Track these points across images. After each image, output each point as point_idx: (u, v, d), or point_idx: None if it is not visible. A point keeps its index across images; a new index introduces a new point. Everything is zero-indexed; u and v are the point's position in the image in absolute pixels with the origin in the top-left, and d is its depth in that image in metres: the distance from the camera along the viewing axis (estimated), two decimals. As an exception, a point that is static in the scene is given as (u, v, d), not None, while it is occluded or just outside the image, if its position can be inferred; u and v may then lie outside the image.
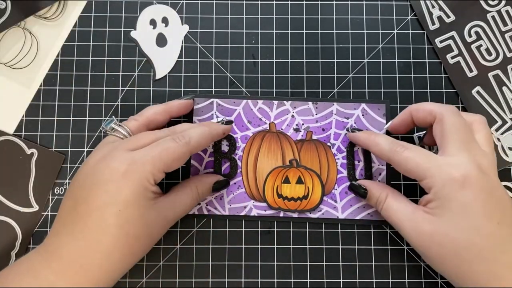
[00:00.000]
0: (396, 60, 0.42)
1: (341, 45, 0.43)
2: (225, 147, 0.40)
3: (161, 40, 0.42)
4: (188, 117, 0.41)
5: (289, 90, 0.42)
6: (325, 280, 0.39)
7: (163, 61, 0.42)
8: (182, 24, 0.42)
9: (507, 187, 0.40)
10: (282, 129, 0.41)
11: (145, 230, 0.32)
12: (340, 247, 0.40)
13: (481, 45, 0.42)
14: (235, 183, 0.40)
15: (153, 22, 0.43)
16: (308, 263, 0.39)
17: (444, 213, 0.31)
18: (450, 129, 0.33)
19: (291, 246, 0.40)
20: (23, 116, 0.41)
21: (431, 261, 0.33)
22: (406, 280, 0.39)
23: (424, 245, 0.32)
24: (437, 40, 0.42)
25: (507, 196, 0.32)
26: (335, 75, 0.42)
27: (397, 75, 0.42)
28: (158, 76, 0.42)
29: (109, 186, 0.30)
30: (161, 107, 0.37)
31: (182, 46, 0.42)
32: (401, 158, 0.33)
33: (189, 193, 0.36)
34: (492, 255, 0.30)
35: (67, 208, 0.32)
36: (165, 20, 0.42)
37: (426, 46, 0.42)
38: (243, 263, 0.39)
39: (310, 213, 0.40)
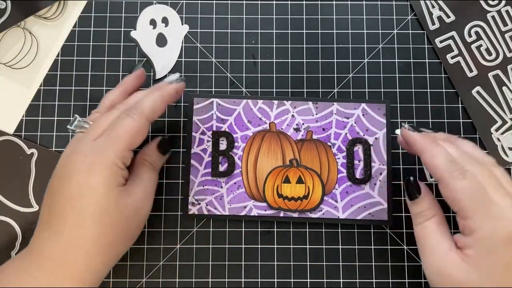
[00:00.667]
0: (396, 60, 0.42)
1: (341, 45, 0.43)
2: (223, 146, 0.40)
3: (161, 40, 0.42)
4: (188, 116, 0.41)
5: (289, 90, 0.42)
6: (325, 280, 0.39)
7: (163, 61, 0.42)
8: (182, 24, 0.42)
9: None
10: (282, 129, 0.41)
11: (120, 217, 0.31)
12: (340, 247, 0.40)
13: (481, 45, 0.42)
14: (235, 183, 0.40)
15: (153, 22, 0.43)
16: (308, 263, 0.39)
17: (482, 266, 0.29)
18: (462, 197, 0.30)
19: (291, 246, 0.40)
20: (23, 116, 0.41)
21: None
22: (406, 280, 0.39)
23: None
24: (437, 40, 0.42)
25: None
26: (335, 75, 0.42)
27: (397, 75, 0.42)
28: (158, 76, 0.42)
29: (78, 179, 0.30)
30: (117, 90, 0.37)
31: (182, 46, 0.42)
32: (456, 186, 0.30)
33: (143, 168, 0.35)
34: None
35: (45, 206, 0.32)
36: (165, 20, 0.42)
37: (426, 46, 0.43)
38: (243, 263, 0.39)
39: (311, 213, 0.39)
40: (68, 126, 0.34)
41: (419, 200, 0.33)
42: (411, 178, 0.34)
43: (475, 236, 0.29)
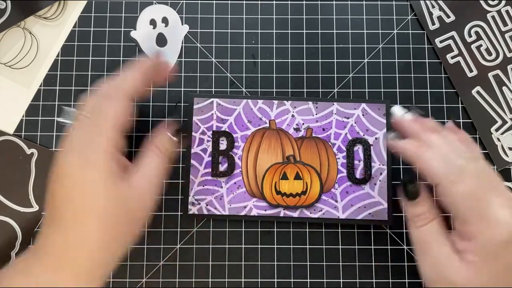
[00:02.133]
0: (396, 60, 0.42)
1: (341, 45, 0.43)
2: (223, 146, 0.40)
3: (161, 40, 0.42)
4: (188, 116, 0.41)
5: (289, 90, 0.42)
6: (325, 280, 0.39)
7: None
8: (182, 24, 0.42)
9: (507, 187, 0.40)
10: (282, 128, 0.41)
11: (121, 209, 0.30)
12: (340, 247, 0.40)
13: (481, 45, 0.42)
14: (235, 183, 0.40)
15: (153, 22, 0.42)
16: (308, 263, 0.39)
17: (481, 270, 0.29)
18: (461, 201, 0.30)
19: (291, 246, 0.40)
20: (23, 116, 0.41)
21: None
22: (406, 280, 0.39)
23: None
24: (437, 40, 0.42)
25: None
26: (335, 75, 0.42)
27: (397, 75, 0.42)
28: None
29: (73, 173, 0.29)
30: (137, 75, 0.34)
31: (182, 46, 0.42)
32: (454, 191, 0.30)
33: (149, 154, 0.33)
34: None
35: (47, 206, 0.31)
36: (165, 20, 0.42)
37: (426, 46, 0.43)
38: (243, 263, 0.39)
39: (311, 213, 0.39)
40: (59, 119, 0.33)
41: (419, 201, 0.33)
42: (411, 178, 0.34)
43: (477, 242, 0.29)
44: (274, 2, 0.43)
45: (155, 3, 0.43)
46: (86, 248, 0.29)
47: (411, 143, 0.33)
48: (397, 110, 0.35)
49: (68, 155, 0.30)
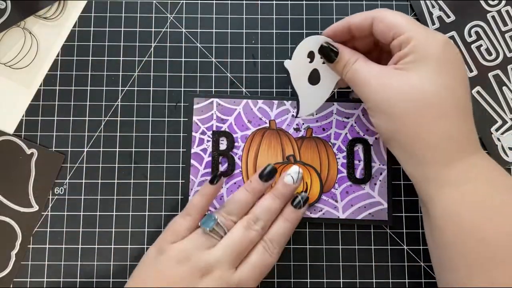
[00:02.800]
0: (396, 60, 0.42)
1: (341, 45, 0.42)
2: (223, 146, 0.40)
3: (315, 77, 0.38)
4: (188, 117, 0.41)
5: (289, 90, 0.42)
6: (325, 280, 0.39)
7: (311, 99, 0.38)
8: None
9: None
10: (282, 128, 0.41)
11: None
12: (340, 247, 0.40)
13: (481, 45, 0.42)
14: (235, 183, 0.40)
15: (311, 55, 0.37)
16: (308, 263, 0.39)
17: (419, 67, 0.30)
18: (399, 20, 0.32)
19: (291, 246, 0.40)
20: (23, 116, 0.41)
21: (392, 121, 0.31)
22: (406, 280, 0.39)
23: (390, 98, 0.30)
24: (437, 40, 0.42)
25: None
26: (335, 75, 0.42)
27: (397, 75, 0.42)
28: (300, 115, 0.39)
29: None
30: (203, 199, 0.36)
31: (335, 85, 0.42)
32: (381, 13, 0.32)
33: (261, 249, 0.34)
34: (456, 115, 0.30)
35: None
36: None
37: (426, 46, 0.42)
38: (243, 263, 0.39)
39: (311, 213, 0.39)
40: (203, 225, 0.34)
41: (339, 55, 0.34)
42: (322, 44, 0.35)
43: (414, 43, 0.30)
44: (274, 2, 0.43)
45: (308, 37, 0.37)
46: None
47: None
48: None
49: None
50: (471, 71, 0.42)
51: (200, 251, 0.32)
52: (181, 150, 0.41)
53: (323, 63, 0.37)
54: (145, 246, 0.39)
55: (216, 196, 0.37)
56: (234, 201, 0.35)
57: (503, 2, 0.43)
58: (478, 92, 0.42)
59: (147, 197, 0.40)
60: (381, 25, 0.32)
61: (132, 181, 0.41)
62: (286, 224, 0.35)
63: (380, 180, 0.40)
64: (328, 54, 0.35)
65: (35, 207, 0.40)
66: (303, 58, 0.37)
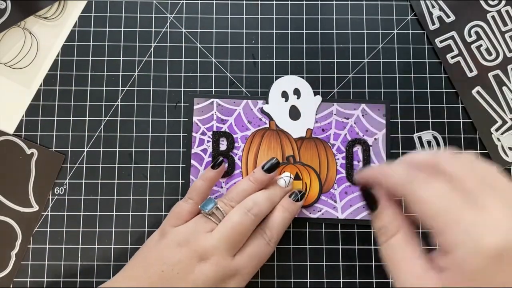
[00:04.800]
0: (396, 60, 0.42)
1: (341, 45, 0.43)
2: (223, 146, 0.40)
3: (295, 113, 0.41)
4: (188, 117, 0.41)
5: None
6: (325, 280, 0.39)
7: (297, 132, 0.41)
8: (314, 96, 0.41)
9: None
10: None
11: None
12: (340, 247, 0.40)
13: (481, 45, 0.42)
14: (235, 183, 0.40)
15: (285, 95, 0.41)
16: (308, 263, 0.39)
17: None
18: (429, 207, 0.24)
19: (291, 246, 0.40)
20: (23, 116, 0.41)
21: None
22: (406, 280, 0.39)
23: None
24: (437, 40, 0.42)
25: None
26: (335, 75, 0.42)
27: (397, 75, 0.42)
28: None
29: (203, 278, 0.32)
30: (204, 183, 0.37)
31: (314, 115, 0.42)
32: (416, 195, 0.25)
33: (259, 238, 0.35)
34: None
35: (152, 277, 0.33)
36: (297, 92, 0.41)
37: (426, 46, 0.42)
38: (243, 263, 0.39)
39: (310, 213, 0.40)
40: (202, 208, 0.35)
41: (378, 213, 0.28)
42: (368, 189, 0.30)
43: (451, 257, 0.23)
44: (274, 2, 0.43)
45: (286, 76, 0.42)
46: None
47: (372, 168, 0.31)
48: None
49: (211, 268, 0.33)
50: (471, 71, 0.42)
51: (199, 235, 0.33)
52: (181, 150, 0.41)
53: (298, 98, 0.41)
54: (145, 246, 0.39)
55: (217, 181, 0.39)
56: (237, 189, 0.37)
57: (503, 2, 0.42)
58: (478, 92, 0.42)
59: (147, 197, 0.40)
60: (412, 208, 0.25)
61: (132, 181, 0.41)
62: (285, 214, 0.36)
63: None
64: (369, 201, 0.29)
65: (35, 207, 0.40)
66: (278, 99, 0.41)
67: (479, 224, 0.22)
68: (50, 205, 0.40)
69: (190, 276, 0.32)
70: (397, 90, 0.42)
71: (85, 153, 0.41)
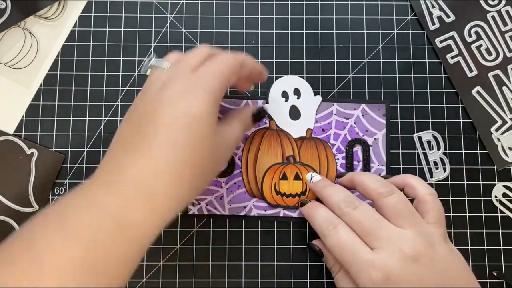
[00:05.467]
0: (396, 60, 0.42)
1: (341, 45, 0.43)
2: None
3: (295, 113, 0.41)
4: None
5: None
6: (325, 280, 0.39)
7: (297, 133, 0.41)
8: (315, 95, 0.41)
9: (507, 187, 0.40)
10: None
11: (210, 152, 0.29)
12: (340, 247, 0.40)
13: (481, 45, 0.42)
14: (235, 183, 0.40)
15: (285, 95, 0.41)
16: (308, 263, 0.40)
17: None
18: (352, 226, 0.33)
19: (291, 246, 0.40)
20: (23, 116, 0.41)
21: None
22: (406, 280, 0.39)
23: None
24: (437, 40, 0.42)
25: (452, 263, 0.31)
26: (335, 75, 0.42)
27: (397, 75, 0.42)
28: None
29: (178, 102, 0.28)
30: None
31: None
32: (329, 241, 0.33)
33: (238, 122, 0.35)
34: None
35: (127, 132, 0.29)
36: (297, 92, 0.41)
37: (426, 46, 0.42)
38: (243, 263, 0.39)
39: (310, 213, 0.40)
40: (143, 68, 0.33)
41: (324, 259, 0.36)
42: (309, 243, 0.37)
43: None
44: (274, 2, 0.43)
45: (284, 77, 0.42)
46: (168, 180, 0.27)
47: (306, 207, 0.37)
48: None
49: (176, 85, 0.29)
50: (471, 71, 0.42)
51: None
52: (181, 150, 0.41)
53: (298, 98, 0.40)
54: (145, 246, 0.39)
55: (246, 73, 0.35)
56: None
57: (503, 2, 0.42)
58: (478, 92, 0.42)
59: (147, 197, 0.40)
60: (331, 252, 0.34)
61: (132, 181, 0.40)
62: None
63: (380, 180, 0.40)
64: (315, 253, 0.37)
65: (35, 207, 0.40)
66: (278, 99, 0.41)
67: (368, 263, 0.30)
68: (50, 205, 0.40)
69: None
70: (397, 90, 0.42)
71: (85, 153, 0.41)
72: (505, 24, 0.42)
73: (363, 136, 0.40)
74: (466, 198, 0.40)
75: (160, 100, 0.29)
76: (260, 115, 0.38)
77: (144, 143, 0.27)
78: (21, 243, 0.25)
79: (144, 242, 0.27)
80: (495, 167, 0.41)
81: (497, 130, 0.41)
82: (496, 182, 0.41)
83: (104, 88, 0.42)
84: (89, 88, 0.42)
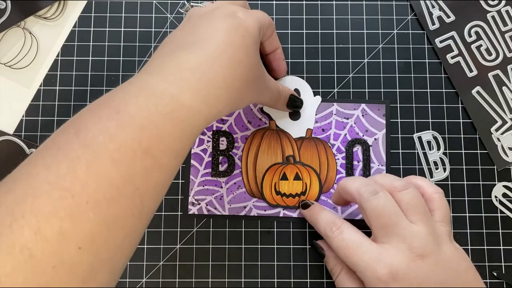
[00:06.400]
0: (396, 60, 0.42)
1: (341, 45, 0.43)
2: (223, 146, 0.40)
3: (294, 113, 0.41)
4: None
5: (289, 90, 0.42)
6: (325, 280, 0.39)
7: (297, 133, 0.41)
8: (314, 96, 0.41)
9: (507, 187, 0.40)
10: (282, 129, 0.41)
11: (256, 71, 0.31)
12: (340, 247, 0.40)
13: (481, 45, 0.42)
14: (235, 183, 0.40)
15: None
16: (308, 263, 0.40)
17: None
18: (371, 215, 0.31)
19: (291, 246, 0.40)
20: (23, 116, 0.41)
21: None
22: (406, 280, 0.39)
23: None
24: (437, 40, 0.42)
25: (456, 262, 0.30)
26: (335, 75, 0.42)
27: (397, 75, 0.42)
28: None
29: (234, 16, 0.30)
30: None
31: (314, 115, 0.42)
32: (334, 242, 0.33)
33: (276, 84, 0.36)
34: None
35: (179, 37, 0.30)
36: (297, 92, 0.41)
37: (426, 46, 0.42)
38: (243, 263, 0.39)
39: (310, 213, 0.40)
40: (181, 9, 0.34)
41: (325, 259, 0.36)
42: (314, 241, 0.37)
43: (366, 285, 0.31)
44: (274, 2, 0.43)
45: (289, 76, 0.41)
46: (221, 71, 0.27)
47: (309, 210, 0.38)
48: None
49: (232, 8, 0.31)
50: (471, 71, 0.42)
51: None
52: (181, 150, 0.41)
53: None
54: (145, 246, 0.40)
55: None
56: None
57: (503, 2, 0.42)
58: (478, 92, 0.42)
59: (147, 197, 0.40)
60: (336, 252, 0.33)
61: (132, 181, 0.40)
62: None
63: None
64: (316, 252, 0.37)
65: (35, 207, 0.40)
66: None
67: (374, 259, 0.30)
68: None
69: None
70: (397, 90, 0.42)
71: (85, 153, 0.41)
72: (505, 24, 0.42)
73: (363, 136, 0.40)
74: (466, 198, 0.40)
75: (214, 13, 0.30)
76: (296, 102, 0.39)
77: (200, 40, 0.28)
78: (71, 130, 0.24)
79: (194, 130, 0.27)
80: (495, 167, 0.41)
81: (497, 130, 0.41)
82: (496, 182, 0.41)
83: (104, 88, 0.42)
84: (89, 88, 0.42)
